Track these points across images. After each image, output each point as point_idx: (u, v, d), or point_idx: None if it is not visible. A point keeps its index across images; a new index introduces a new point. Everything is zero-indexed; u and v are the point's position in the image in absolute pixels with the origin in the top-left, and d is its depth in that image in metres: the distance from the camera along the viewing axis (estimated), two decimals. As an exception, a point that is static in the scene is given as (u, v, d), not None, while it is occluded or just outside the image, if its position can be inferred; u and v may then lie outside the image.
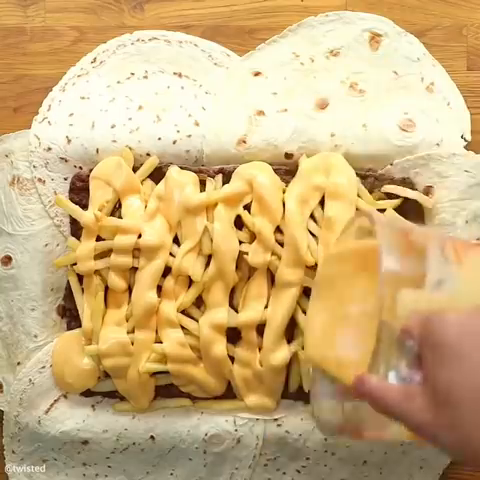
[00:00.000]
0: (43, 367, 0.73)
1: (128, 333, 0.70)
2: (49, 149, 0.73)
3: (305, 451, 0.73)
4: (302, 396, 0.72)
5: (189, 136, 0.72)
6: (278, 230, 0.69)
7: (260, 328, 0.69)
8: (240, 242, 0.69)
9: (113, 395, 0.73)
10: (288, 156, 0.72)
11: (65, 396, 0.74)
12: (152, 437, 0.73)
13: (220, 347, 0.69)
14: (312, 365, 0.63)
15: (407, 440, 0.52)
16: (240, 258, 0.69)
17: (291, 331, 0.70)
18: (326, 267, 0.62)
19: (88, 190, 0.72)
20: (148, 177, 0.72)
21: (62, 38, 0.77)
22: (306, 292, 0.69)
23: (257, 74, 0.74)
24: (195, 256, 0.69)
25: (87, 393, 0.73)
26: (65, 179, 0.73)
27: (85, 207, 0.71)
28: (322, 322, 0.58)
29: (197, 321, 0.70)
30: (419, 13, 0.76)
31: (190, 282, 0.70)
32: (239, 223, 0.70)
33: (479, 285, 0.50)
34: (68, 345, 0.73)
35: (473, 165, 0.71)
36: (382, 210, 0.69)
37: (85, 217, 0.70)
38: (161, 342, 0.70)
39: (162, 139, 0.72)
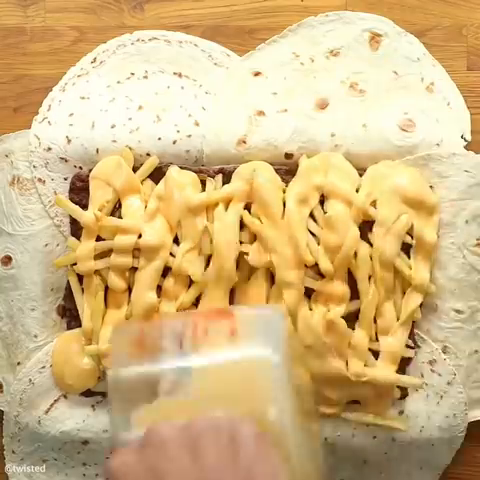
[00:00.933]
0: (43, 367, 0.73)
1: (128, 333, 0.70)
2: (49, 149, 0.73)
3: (305, 451, 0.73)
4: (302, 396, 0.72)
5: (189, 136, 0.72)
6: (278, 230, 0.69)
7: (260, 328, 0.69)
8: (240, 242, 0.69)
9: (113, 395, 0.73)
10: (288, 156, 0.72)
11: (65, 396, 0.74)
12: (152, 437, 0.73)
13: (220, 347, 0.69)
14: None
15: None
16: (240, 258, 0.69)
17: (291, 331, 0.70)
18: None
19: (88, 190, 0.72)
20: (148, 177, 0.72)
21: (62, 38, 0.77)
22: (306, 292, 0.70)
23: (257, 74, 0.74)
24: (195, 256, 0.69)
25: (87, 393, 0.73)
26: (65, 179, 0.73)
27: (85, 207, 0.71)
28: None
29: (197, 321, 0.70)
30: (419, 13, 0.76)
31: (190, 282, 0.70)
32: (239, 223, 0.70)
33: (216, 375, 0.45)
34: (68, 345, 0.73)
35: (473, 165, 0.71)
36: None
37: (85, 217, 0.70)
38: (161, 342, 0.70)
39: (162, 139, 0.72)
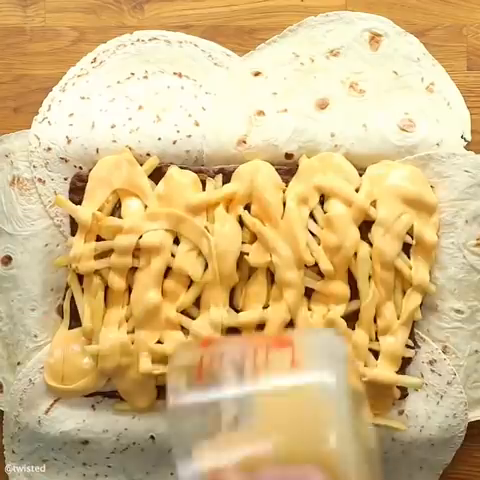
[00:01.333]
0: (43, 367, 0.73)
1: (128, 333, 0.70)
2: (49, 149, 0.73)
3: (305, 451, 0.73)
4: (302, 396, 0.72)
5: (189, 136, 0.72)
6: (278, 230, 0.69)
7: (260, 328, 0.69)
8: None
9: (113, 395, 0.73)
10: (288, 156, 0.72)
11: (65, 396, 0.74)
12: (152, 437, 0.73)
13: (220, 347, 0.69)
14: None
15: None
16: (240, 258, 0.69)
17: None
18: None
19: (88, 190, 0.72)
20: (148, 177, 0.72)
21: (62, 38, 0.77)
22: (306, 292, 0.70)
23: (257, 74, 0.74)
24: (195, 256, 0.69)
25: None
26: (65, 179, 0.73)
27: (85, 207, 0.71)
28: None
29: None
30: (419, 13, 0.76)
31: (190, 282, 0.70)
32: (239, 223, 0.70)
33: (278, 406, 0.45)
34: (67, 345, 0.73)
35: (473, 165, 0.71)
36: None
37: (82, 216, 0.69)
38: (161, 342, 0.70)
39: (162, 139, 0.72)
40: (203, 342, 0.54)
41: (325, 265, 0.68)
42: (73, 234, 0.72)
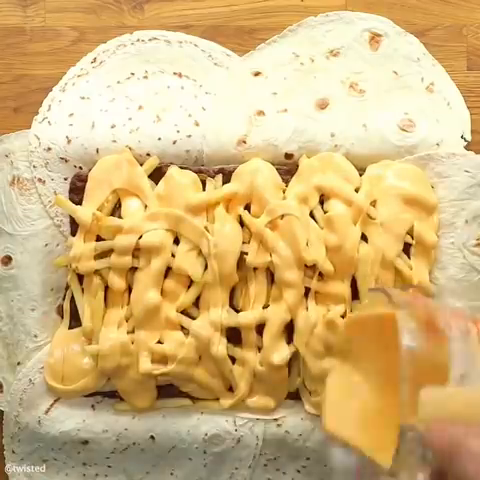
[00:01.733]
0: (43, 367, 0.73)
1: (128, 333, 0.70)
2: (49, 149, 0.73)
3: (305, 451, 0.73)
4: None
5: (189, 136, 0.72)
6: (278, 230, 0.69)
7: (260, 328, 0.69)
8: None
9: (113, 395, 0.73)
10: (288, 156, 0.72)
11: (65, 396, 0.74)
12: (152, 437, 0.73)
13: (220, 347, 0.69)
14: (331, 438, 0.57)
15: None
16: (240, 258, 0.69)
17: (291, 331, 0.70)
18: (346, 333, 0.61)
19: (88, 190, 0.72)
20: (148, 177, 0.72)
21: (62, 38, 0.77)
22: (306, 292, 0.70)
23: (257, 74, 0.74)
24: (195, 256, 0.69)
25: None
26: (65, 179, 0.73)
27: (85, 207, 0.71)
28: (340, 391, 0.57)
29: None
30: (419, 13, 0.76)
31: (190, 282, 0.70)
32: (239, 223, 0.70)
33: None
34: (67, 345, 0.73)
35: (473, 165, 0.71)
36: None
37: (82, 216, 0.69)
38: (161, 342, 0.70)
39: (162, 139, 0.72)
40: (412, 295, 0.55)
41: (325, 265, 0.68)
42: (73, 234, 0.72)
